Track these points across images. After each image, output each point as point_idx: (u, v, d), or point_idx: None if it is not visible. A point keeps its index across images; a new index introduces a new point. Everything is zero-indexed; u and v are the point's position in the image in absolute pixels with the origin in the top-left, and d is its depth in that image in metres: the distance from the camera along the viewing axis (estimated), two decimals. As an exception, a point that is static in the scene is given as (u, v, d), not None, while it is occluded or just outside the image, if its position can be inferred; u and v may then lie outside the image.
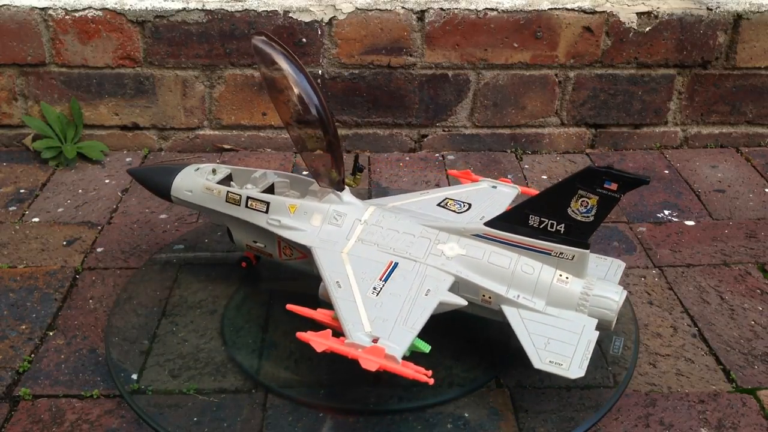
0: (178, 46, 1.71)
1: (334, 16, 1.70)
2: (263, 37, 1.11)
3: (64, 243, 1.44)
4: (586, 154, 1.86)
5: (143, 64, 1.73)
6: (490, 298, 1.04)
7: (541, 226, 1.02)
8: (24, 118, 1.76)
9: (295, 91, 1.10)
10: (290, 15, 1.69)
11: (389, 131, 1.84)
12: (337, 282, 1.01)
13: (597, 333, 1.00)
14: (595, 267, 1.14)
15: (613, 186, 0.95)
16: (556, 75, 1.79)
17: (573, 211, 0.99)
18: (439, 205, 1.20)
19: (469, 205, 1.19)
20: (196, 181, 1.22)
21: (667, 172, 1.77)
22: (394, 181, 1.70)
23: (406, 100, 1.80)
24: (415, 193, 1.26)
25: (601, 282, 1.05)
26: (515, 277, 1.03)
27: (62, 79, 1.74)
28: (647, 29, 1.75)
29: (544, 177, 1.74)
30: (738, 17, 1.75)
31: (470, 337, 1.15)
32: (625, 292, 1.04)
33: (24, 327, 1.22)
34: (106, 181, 1.69)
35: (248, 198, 1.16)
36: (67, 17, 1.68)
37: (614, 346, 1.13)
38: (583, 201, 0.97)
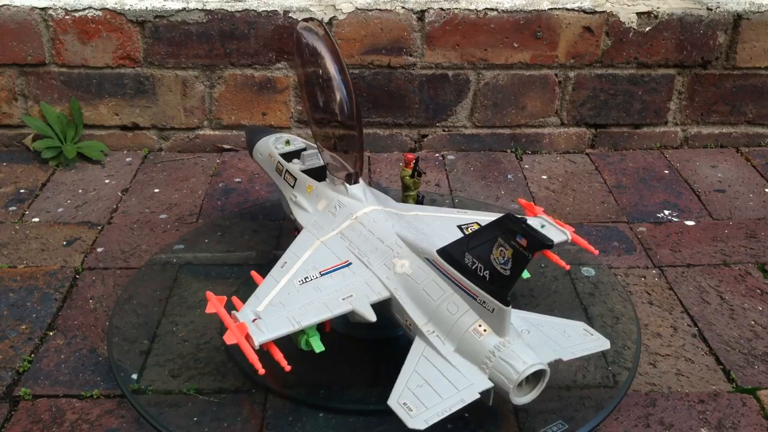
0: (178, 46, 1.71)
1: (334, 16, 1.70)
2: (310, 26, 1.12)
3: (64, 243, 1.44)
4: (586, 154, 1.86)
5: (143, 64, 1.73)
6: (410, 325, 0.99)
7: (472, 267, 0.93)
8: (24, 118, 1.76)
9: (336, 93, 1.12)
10: (290, 15, 1.69)
11: (389, 131, 1.84)
12: (285, 262, 1.04)
13: (477, 396, 0.90)
14: (566, 338, 0.99)
15: (524, 242, 0.86)
16: (556, 75, 1.79)
17: (494, 259, 0.90)
18: (459, 226, 1.14)
19: None
20: (268, 147, 1.32)
21: (667, 172, 1.77)
22: (394, 180, 1.69)
23: (406, 100, 1.80)
24: (452, 209, 1.21)
25: (521, 348, 0.92)
26: (437, 312, 0.96)
27: (62, 79, 1.74)
28: (647, 29, 1.75)
29: (544, 177, 1.74)
30: (738, 17, 1.75)
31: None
32: (544, 368, 0.91)
33: (24, 327, 1.22)
34: (106, 181, 1.69)
35: (286, 171, 1.25)
36: (67, 17, 1.68)
37: (548, 430, 1.01)
38: (501, 250, 0.89)
